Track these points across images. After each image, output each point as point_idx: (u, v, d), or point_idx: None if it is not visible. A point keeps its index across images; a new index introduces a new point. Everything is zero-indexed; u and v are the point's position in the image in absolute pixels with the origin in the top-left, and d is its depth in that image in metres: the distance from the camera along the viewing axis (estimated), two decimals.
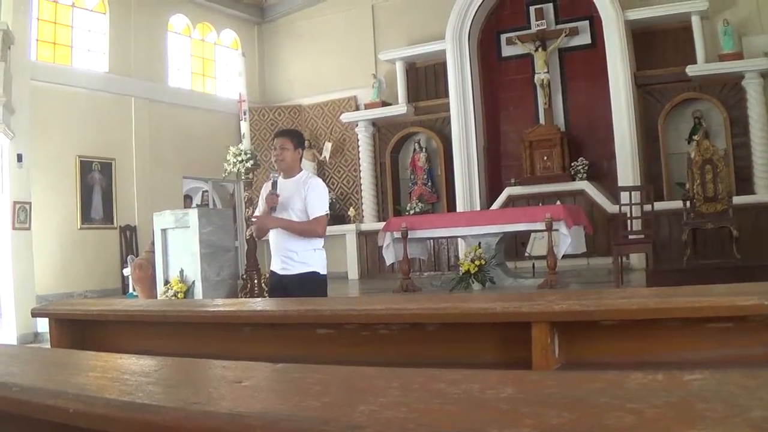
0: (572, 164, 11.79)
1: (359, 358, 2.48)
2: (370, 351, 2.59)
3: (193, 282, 8.02)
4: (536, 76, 12.24)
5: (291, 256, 4.48)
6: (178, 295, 7.83)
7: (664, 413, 0.90)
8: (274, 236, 4.58)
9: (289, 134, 4.69)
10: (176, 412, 1.13)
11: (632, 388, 1.05)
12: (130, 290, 10.70)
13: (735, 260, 8.43)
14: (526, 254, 10.51)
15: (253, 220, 4.52)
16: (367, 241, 13.21)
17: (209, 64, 14.96)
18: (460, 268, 9.03)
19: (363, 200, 13.75)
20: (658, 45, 11.42)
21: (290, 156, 4.55)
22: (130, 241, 12.24)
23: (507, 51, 12.92)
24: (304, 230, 4.47)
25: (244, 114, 8.92)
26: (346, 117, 13.80)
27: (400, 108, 13.22)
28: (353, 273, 13.30)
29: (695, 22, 10.86)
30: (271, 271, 4.66)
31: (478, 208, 12.07)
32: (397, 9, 13.80)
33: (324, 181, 5.03)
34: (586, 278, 9.85)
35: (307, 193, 4.46)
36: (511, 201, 12.00)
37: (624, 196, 9.37)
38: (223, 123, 13.86)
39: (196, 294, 7.92)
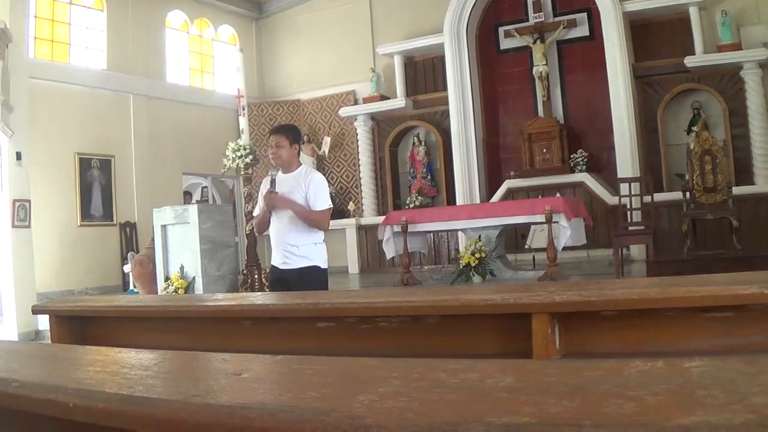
0: (571, 156, 11.78)
1: (360, 351, 2.48)
2: (371, 344, 2.59)
3: (194, 278, 8.01)
4: (535, 69, 12.23)
5: (292, 250, 4.47)
6: (179, 291, 7.83)
7: (664, 400, 0.90)
8: (275, 231, 4.57)
9: (283, 131, 4.64)
10: (176, 405, 1.13)
11: (632, 375, 1.05)
12: (131, 287, 10.71)
13: (735, 250, 8.43)
14: (527, 247, 10.51)
15: (270, 202, 4.48)
16: (367, 235, 13.21)
17: (207, 60, 14.94)
18: (461, 261, 9.02)
19: (362, 194, 13.74)
20: (656, 36, 11.40)
21: (286, 153, 4.52)
22: (130, 238, 12.24)
23: (505, 44, 12.91)
24: (311, 218, 4.45)
25: (243, 109, 8.91)
26: (345, 111, 13.79)
27: (398, 102, 13.21)
28: (353, 267, 13.31)
29: (693, 12, 10.83)
30: (272, 265, 4.65)
31: (478, 201, 12.06)
32: (395, 3, 13.76)
33: (323, 175, 5.02)
34: (587, 270, 9.85)
35: (308, 189, 4.45)
36: (511, 194, 11.99)
37: (623, 188, 9.37)
38: (222, 119, 13.86)
39: (196, 290, 7.92)
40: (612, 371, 1.08)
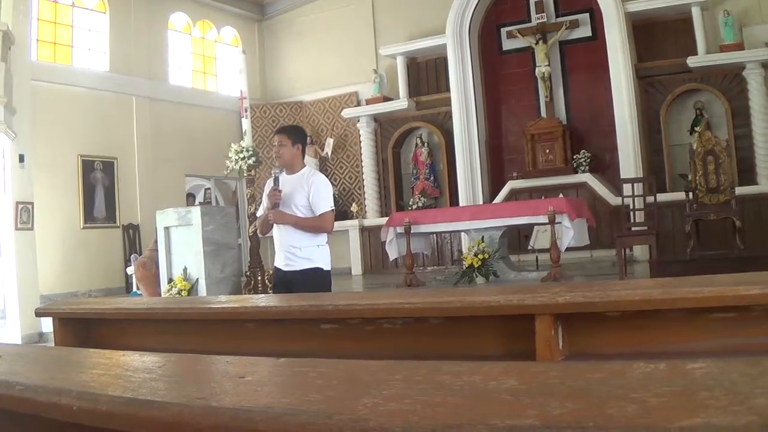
0: (574, 157, 11.77)
1: (363, 353, 2.48)
2: (374, 345, 2.59)
3: (197, 280, 8.01)
4: (537, 69, 12.22)
5: (294, 252, 4.48)
6: (182, 293, 7.83)
7: (667, 402, 0.90)
8: (277, 233, 4.58)
9: (286, 131, 4.68)
10: (179, 408, 1.13)
11: (635, 377, 1.05)
12: (134, 289, 10.71)
13: (738, 251, 8.41)
14: (530, 247, 10.49)
15: (270, 217, 4.50)
16: (370, 236, 13.20)
17: (210, 61, 14.96)
18: (464, 263, 9.01)
19: (365, 196, 13.74)
20: (658, 36, 11.39)
21: (288, 152, 4.54)
22: (133, 240, 12.25)
23: (507, 44, 12.90)
24: (313, 227, 4.48)
25: (246, 111, 8.92)
26: (348, 113, 13.80)
27: (401, 103, 13.22)
28: (357, 268, 13.30)
29: (695, 13, 10.82)
30: (275, 267, 4.66)
31: (481, 202, 12.06)
32: (397, 4, 13.78)
33: (326, 176, 5.02)
34: (590, 271, 9.84)
35: (310, 191, 4.46)
36: (514, 194, 11.98)
37: (626, 188, 9.36)
38: (225, 120, 13.87)
39: (199, 292, 7.92)
40: (615, 373, 1.08)
